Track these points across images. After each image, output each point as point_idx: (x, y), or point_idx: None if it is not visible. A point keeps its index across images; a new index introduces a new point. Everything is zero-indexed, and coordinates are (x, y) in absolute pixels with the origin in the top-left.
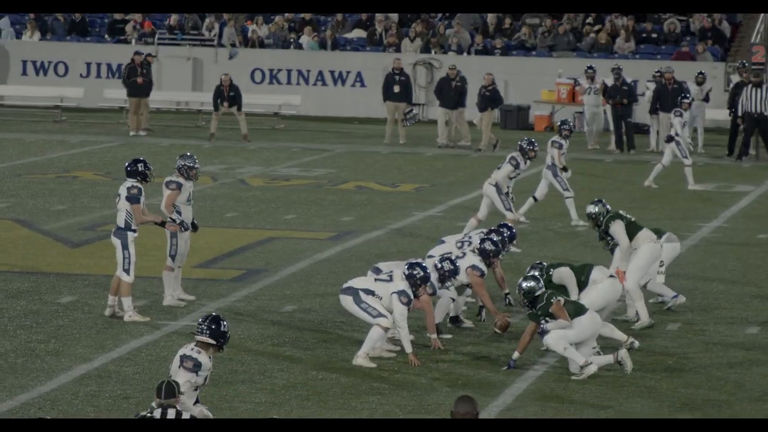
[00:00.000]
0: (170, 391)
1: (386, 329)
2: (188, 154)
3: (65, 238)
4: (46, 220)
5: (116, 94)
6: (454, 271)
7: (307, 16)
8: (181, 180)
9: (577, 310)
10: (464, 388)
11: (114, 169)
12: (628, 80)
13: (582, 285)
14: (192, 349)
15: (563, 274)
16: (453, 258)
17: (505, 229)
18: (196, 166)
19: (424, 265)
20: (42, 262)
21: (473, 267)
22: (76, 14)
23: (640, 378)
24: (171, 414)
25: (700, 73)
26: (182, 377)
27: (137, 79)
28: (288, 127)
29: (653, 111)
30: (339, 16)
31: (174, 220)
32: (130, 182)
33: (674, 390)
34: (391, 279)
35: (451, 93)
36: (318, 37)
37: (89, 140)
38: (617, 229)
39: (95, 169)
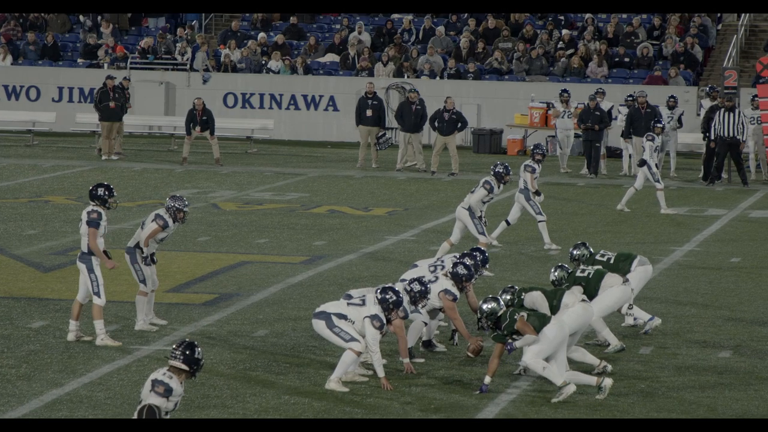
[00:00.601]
0: (151, 414)
1: (359, 353)
2: (178, 195)
3: (37, 262)
4: (18, 245)
5: (88, 118)
6: (425, 292)
7: (281, 40)
8: (169, 220)
9: (541, 321)
10: (437, 412)
11: (85, 194)
12: (603, 106)
13: (554, 309)
14: (164, 374)
15: (535, 299)
16: (424, 280)
17: (477, 253)
18: (185, 209)
19: (396, 289)
20: (13, 287)
21: (445, 291)
22: (48, 38)
23: (612, 403)
24: None
25: (671, 97)
26: (153, 402)
27: (110, 104)
28: (261, 152)
29: (626, 135)
30: (312, 41)
31: (146, 256)
32: (91, 206)
33: (647, 414)
34: (363, 303)
35: (411, 117)
36: (289, 62)
37: (61, 165)
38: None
39: (67, 193)
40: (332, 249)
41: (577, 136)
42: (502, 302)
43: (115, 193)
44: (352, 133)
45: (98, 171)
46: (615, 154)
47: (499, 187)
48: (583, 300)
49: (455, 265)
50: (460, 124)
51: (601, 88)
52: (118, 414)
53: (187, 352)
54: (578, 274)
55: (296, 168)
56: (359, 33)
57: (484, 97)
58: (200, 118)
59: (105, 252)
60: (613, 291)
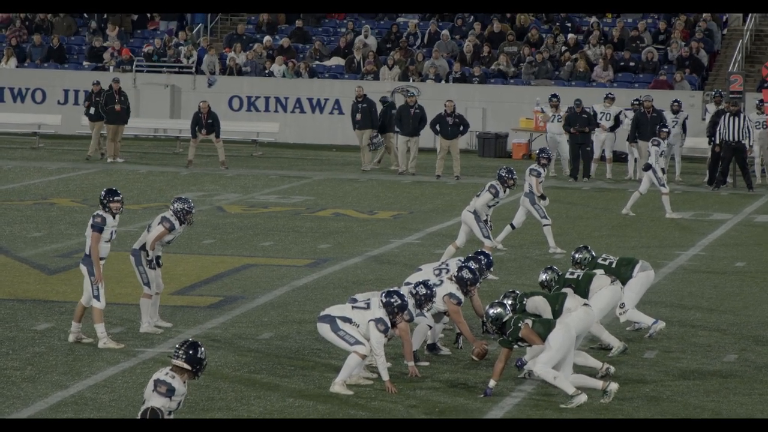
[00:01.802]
0: (155, 416)
1: (363, 357)
2: (184, 197)
3: (42, 265)
4: (23, 247)
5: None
6: (430, 296)
7: (286, 43)
8: (176, 223)
9: (546, 328)
10: (441, 415)
11: (91, 196)
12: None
13: (556, 314)
14: (166, 373)
15: (537, 303)
16: (429, 283)
17: (482, 257)
18: (192, 210)
19: (401, 293)
20: (18, 289)
21: (450, 295)
22: (54, 41)
23: (617, 406)
24: None
25: (675, 101)
26: (156, 402)
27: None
28: (266, 155)
29: (632, 139)
30: (317, 44)
31: (152, 260)
32: (97, 211)
33: (651, 418)
34: (368, 307)
35: (410, 121)
36: (293, 65)
37: (66, 167)
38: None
39: (72, 195)
40: (337, 252)
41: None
42: (508, 308)
43: (117, 198)
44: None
45: (103, 174)
46: (620, 158)
47: (504, 192)
48: (585, 304)
49: (460, 269)
50: (462, 128)
51: (611, 93)
52: (122, 416)
53: (190, 352)
54: (567, 276)
55: (301, 171)
56: (365, 36)
57: (490, 101)
58: (205, 121)
59: (102, 259)
60: (604, 293)
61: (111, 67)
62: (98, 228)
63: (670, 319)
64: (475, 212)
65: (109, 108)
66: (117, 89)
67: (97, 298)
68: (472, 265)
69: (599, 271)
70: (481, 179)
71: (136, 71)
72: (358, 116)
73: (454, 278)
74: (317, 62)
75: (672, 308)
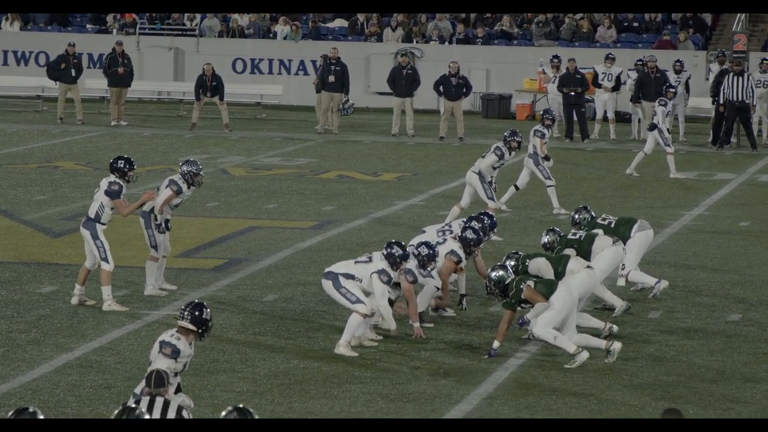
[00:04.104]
0: (159, 380)
1: (364, 315)
2: (192, 159)
3: (46, 228)
4: (27, 210)
5: (97, 84)
6: (432, 255)
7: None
8: (183, 186)
9: (548, 288)
10: (445, 376)
11: (95, 159)
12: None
13: (559, 276)
14: (172, 335)
15: (540, 265)
16: (431, 243)
17: (485, 218)
18: (201, 172)
19: (402, 243)
20: (23, 252)
21: (452, 252)
22: None
23: (621, 366)
24: (159, 403)
25: (678, 61)
26: (162, 363)
27: (118, 69)
28: (270, 117)
29: (636, 100)
30: None
31: (160, 223)
32: (113, 177)
33: (656, 378)
34: (370, 260)
35: (402, 82)
36: (297, 28)
37: (70, 130)
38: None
39: (77, 159)
40: (341, 214)
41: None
42: (510, 270)
43: (134, 166)
44: (362, 98)
45: (107, 137)
46: (624, 118)
47: (510, 154)
48: (588, 266)
49: (464, 229)
50: (466, 89)
51: (611, 53)
52: (127, 378)
53: (196, 313)
54: (569, 237)
55: (305, 133)
56: None
57: (493, 62)
58: (210, 84)
59: (104, 224)
60: (605, 254)
61: (114, 30)
62: (116, 194)
63: (674, 279)
64: (479, 173)
65: (113, 71)
66: (120, 52)
67: (105, 260)
68: (476, 225)
69: (600, 232)
70: (484, 140)
71: (140, 34)
72: (331, 78)
73: (457, 238)
74: (321, 24)
75: (676, 268)
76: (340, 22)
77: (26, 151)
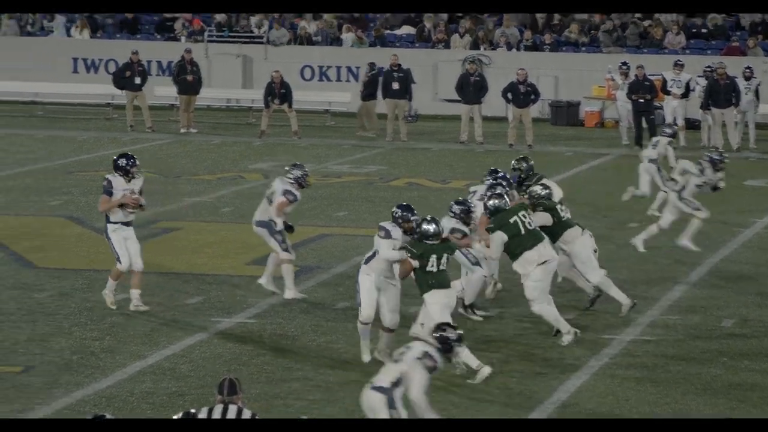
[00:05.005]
0: (232, 388)
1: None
2: (297, 163)
3: None
4: (99, 218)
5: (166, 91)
6: (467, 210)
7: (356, 13)
8: (298, 193)
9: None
10: (531, 378)
11: (165, 167)
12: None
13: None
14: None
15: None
16: (461, 199)
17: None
18: (308, 173)
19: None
20: (96, 260)
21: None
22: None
23: (695, 372)
24: (232, 411)
25: (747, 67)
26: (419, 374)
27: (187, 77)
28: (338, 124)
29: (705, 107)
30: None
31: (281, 229)
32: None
33: (729, 384)
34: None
35: (470, 89)
36: (362, 35)
37: (140, 137)
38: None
39: (146, 166)
40: None
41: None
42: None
43: (137, 163)
44: (430, 105)
45: (177, 144)
46: (694, 125)
47: (714, 173)
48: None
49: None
50: (534, 96)
51: (679, 60)
52: (201, 385)
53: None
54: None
55: (374, 140)
56: None
57: (561, 69)
58: (278, 91)
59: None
60: (578, 245)
61: (183, 38)
62: (105, 191)
63: (746, 286)
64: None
65: (182, 78)
66: (189, 60)
67: (118, 259)
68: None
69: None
70: (553, 148)
71: (208, 41)
72: (396, 85)
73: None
74: (387, 31)
75: (749, 275)
76: (407, 29)
77: (97, 158)
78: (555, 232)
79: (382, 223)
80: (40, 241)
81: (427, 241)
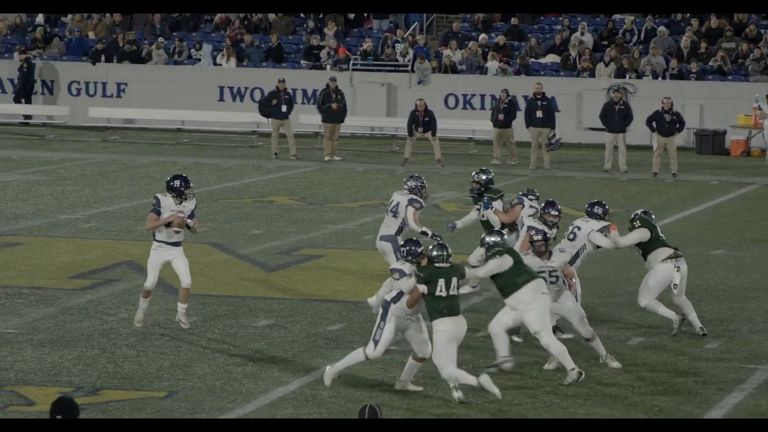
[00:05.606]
0: (373, 415)
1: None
2: (414, 175)
3: (262, 262)
4: (243, 245)
5: (311, 119)
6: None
7: (501, 41)
8: (421, 200)
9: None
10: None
11: (309, 194)
12: None
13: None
14: None
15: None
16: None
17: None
18: (425, 184)
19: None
20: (239, 286)
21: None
22: (273, 40)
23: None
24: None
25: None
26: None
27: (332, 105)
28: (481, 152)
29: None
30: (532, 41)
31: (426, 232)
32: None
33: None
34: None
35: (615, 117)
36: (510, 64)
37: (284, 165)
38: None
39: (291, 194)
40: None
41: None
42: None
43: (191, 185)
44: (574, 133)
45: (321, 172)
46: None
47: None
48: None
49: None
50: (679, 125)
51: None
52: (342, 412)
53: None
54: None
55: (517, 168)
56: (581, 34)
57: (707, 98)
58: (422, 119)
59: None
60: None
61: (328, 66)
62: (153, 209)
63: None
64: None
65: (326, 106)
66: (334, 88)
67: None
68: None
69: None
70: (698, 176)
71: (353, 70)
72: (539, 113)
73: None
74: (533, 60)
75: None
76: (552, 58)
77: (241, 186)
78: (648, 248)
79: (392, 267)
80: None
81: (435, 265)
